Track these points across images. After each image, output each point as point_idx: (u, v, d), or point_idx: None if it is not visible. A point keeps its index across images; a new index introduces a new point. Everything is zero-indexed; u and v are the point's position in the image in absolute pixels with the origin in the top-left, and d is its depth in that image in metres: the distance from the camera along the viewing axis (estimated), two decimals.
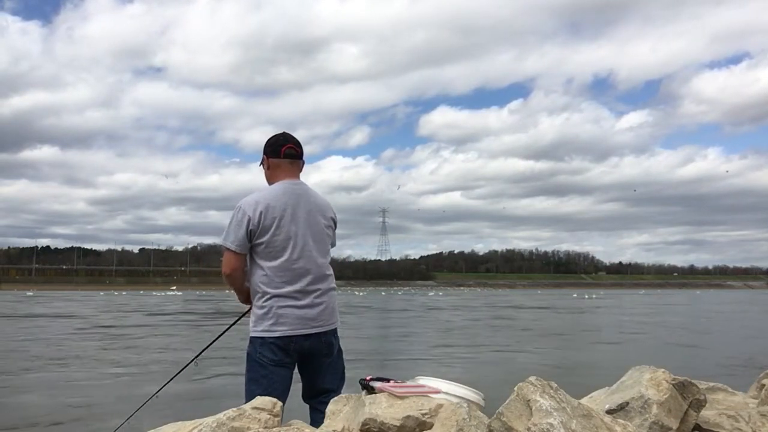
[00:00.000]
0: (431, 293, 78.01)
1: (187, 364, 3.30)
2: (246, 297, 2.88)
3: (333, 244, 2.97)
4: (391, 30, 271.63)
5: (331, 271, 2.87)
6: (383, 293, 74.11)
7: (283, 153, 2.83)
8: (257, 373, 2.69)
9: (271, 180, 2.86)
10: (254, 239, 2.72)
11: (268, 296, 2.71)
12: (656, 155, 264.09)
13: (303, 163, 2.92)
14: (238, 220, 2.72)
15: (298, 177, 2.87)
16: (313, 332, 2.72)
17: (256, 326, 2.72)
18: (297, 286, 2.72)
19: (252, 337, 2.73)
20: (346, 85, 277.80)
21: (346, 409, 2.10)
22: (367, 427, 1.88)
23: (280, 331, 2.67)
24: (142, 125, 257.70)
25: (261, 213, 2.69)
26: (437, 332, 17.10)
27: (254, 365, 2.71)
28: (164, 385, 3.29)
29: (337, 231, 2.97)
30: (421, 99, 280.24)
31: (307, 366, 2.79)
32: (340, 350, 2.88)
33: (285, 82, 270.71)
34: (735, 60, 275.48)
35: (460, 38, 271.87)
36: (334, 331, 2.83)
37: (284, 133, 2.91)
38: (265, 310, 2.70)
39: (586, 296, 60.47)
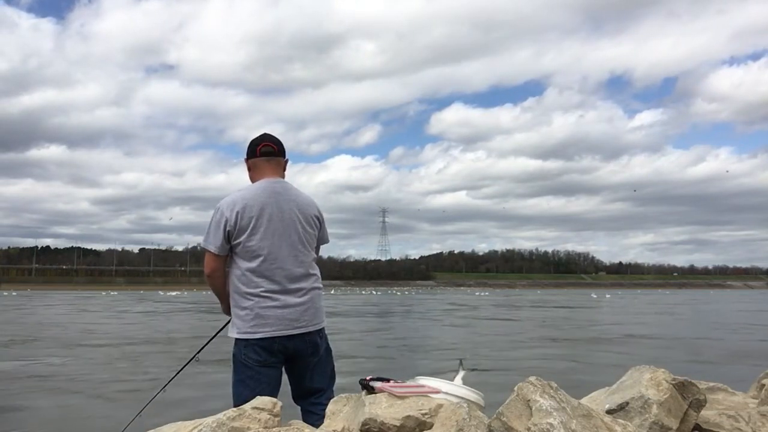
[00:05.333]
0: (477, 292, 78.20)
1: (189, 361, 3.33)
2: (227, 306, 2.84)
3: (323, 241, 2.95)
4: (408, 26, 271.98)
5: (314, 271, 2.82)
6: (398, 293, 74.01)
7: (259, 152, 2.82)
8: (243, 374, 2.68)
9: (253, 180, 2.85)
10: (232, 240, 2.70)
11: (249, 297, 2.68)
12: (668, 155, 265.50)
13: (286, 161, 2.90)
14: (217, 221, 2.71)
15: (279, 175, 2.84)
16: (297, 333, 2.69)
17: (240, 328, 2.70)
18: (277, 286, 2.68)
19: (236, 339, 2.71)
20: (362, 83, 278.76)
21: (346, 409, 2.10)
22: (367, 427, 1.88)
23: (263, 332, 2.65)
24: (151, 124, 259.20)
25: (238, 213, 2.68)
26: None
27: (240, 367, 2.69)
28: (170, 380, 3.35)
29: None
30: (435, 97, 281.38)
31: (293, 366, 2.77)
32: (328, 349, 2.86)
33: (299, 79, 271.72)
34: (755, 57, 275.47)
35: (478, 34, 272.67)
36: (320, 331, 2.80)
37: (263, 133, 2.90)
38: (246, 311, 2.68)
39: (599, 296, 61.03)
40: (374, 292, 76.12)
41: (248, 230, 2.68)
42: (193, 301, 41.65)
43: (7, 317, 23.36)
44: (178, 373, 3.38)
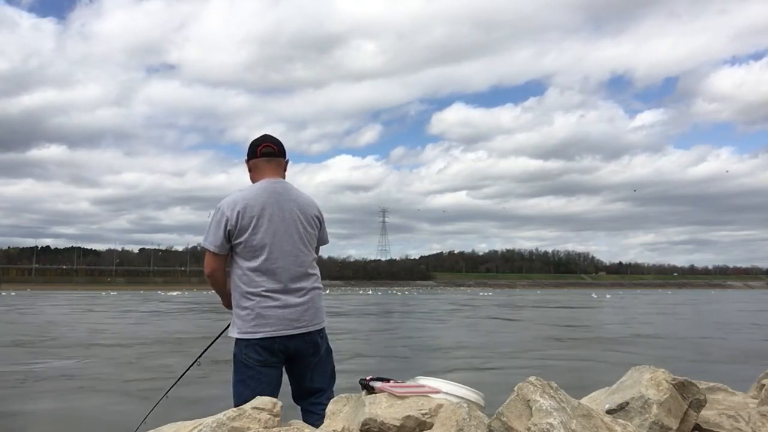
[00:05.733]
0: (482, 292, 78.39)
1: (191, 365, 3.32)
2: (228, 301, 2.85)
3: (323, 241, 2.95)
4: (409, 26, 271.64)
5: (314, 271, 2.83)
6: (398, 294, 74.09)
7: (259, 152, 2.83)
8: (244, 374, 2.68)
9: (253, 181, 2.86)
10: (233, 239, 2.71)
11: (250, 296, 2.69)
12: (669, 155, 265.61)
13: (287, 161, 2.91)
14: (217, 220, 2.72)
15: (279, 175, 2.85)
16: (297, 333, 2.69)
17: (240, 328, 2.70)
18: (278, 286, 2.69)
19: (237, 339, 2.71)
20: (362, 83, 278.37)
21: (346, 409, 2.10)
22: (367, 427, 1.88)
23: (263, 332, 2.65)
24: (152, 124, 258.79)
25: (239, 213, 2.68)
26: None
27: (240, 366, 2.70)
28: (173, 386, 3.35)
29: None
30: (436, 96, 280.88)
31: (293, 366, 2.77)
32: (328, 349, 2.86)
33: (300, 79, 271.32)
34: (757, 56, 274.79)
35: (479, 34, 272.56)
36: (320, 331, 2.80)
37: (264, 134, 2.91)
38: (247, 311, 2.69)
39: (599, 296, 61.08)
40: (371, 292, 76.13)
41: (249, 229, 2.69)
42: (196, 301, 41.76)
43: (17, 318, 23.43)
44: (181, 377, 3.38)
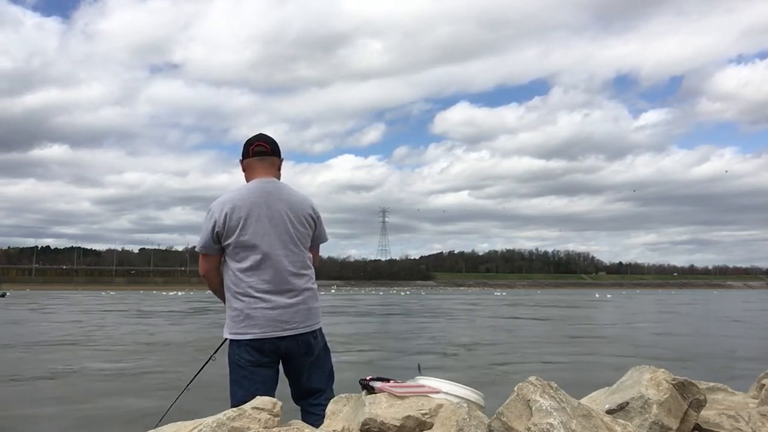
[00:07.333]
0: (497, 293, 78.54)
1: (207, 362, 3.30)
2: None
3: (321, 239, 2.91)
4: (415, 25, 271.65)
5: (307, 271, 2.77)
6: (401, 294, 74.11)
7: (251, 152, 2.80)
8: (237, 374, 2.67)
9: (247, 181, 2.83)
10: (222, 241, 2.70)
11: (240, 297, 2.67)
12: (672, 154, 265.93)
13: (280, 160, 2.87)
14: (207, 222, 2.71)
15: (272, 174, 2.81)
16: (287, 335, 2.65)
17: (231, 328, 2.69)
18: (267, 287, 2.66)
19: (229, 340, 2.70)
20: (367, 82, 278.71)
21: (346, 409, 2.10)
22: (367, 427, 1.88)
23: (252, 333, 2.63)
24: (155, 123, 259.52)
25: (226, 214, 2.66)
26: None
27: (234, 367, 2.68)
28: (191, 381, 3.34)
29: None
30: (440, 96, 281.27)
31: (288, 366, 2.75)
32: (325, 349, 2.83)
33: (304, 78, 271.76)
34: (762, 55, 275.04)
35: (484, 33, 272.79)
36: (314, 332, 2.75)
37: (258, 133, 2.88)
38: (237, 311, 2.67)
39: (601, 296, 61.03)
40: (374, 292, 76.20)
41: (237, 230, 2.66)
42: (206, 301, 41.66)
43: (43, 317, 23.35)
44: (197, 374, 3.36)
